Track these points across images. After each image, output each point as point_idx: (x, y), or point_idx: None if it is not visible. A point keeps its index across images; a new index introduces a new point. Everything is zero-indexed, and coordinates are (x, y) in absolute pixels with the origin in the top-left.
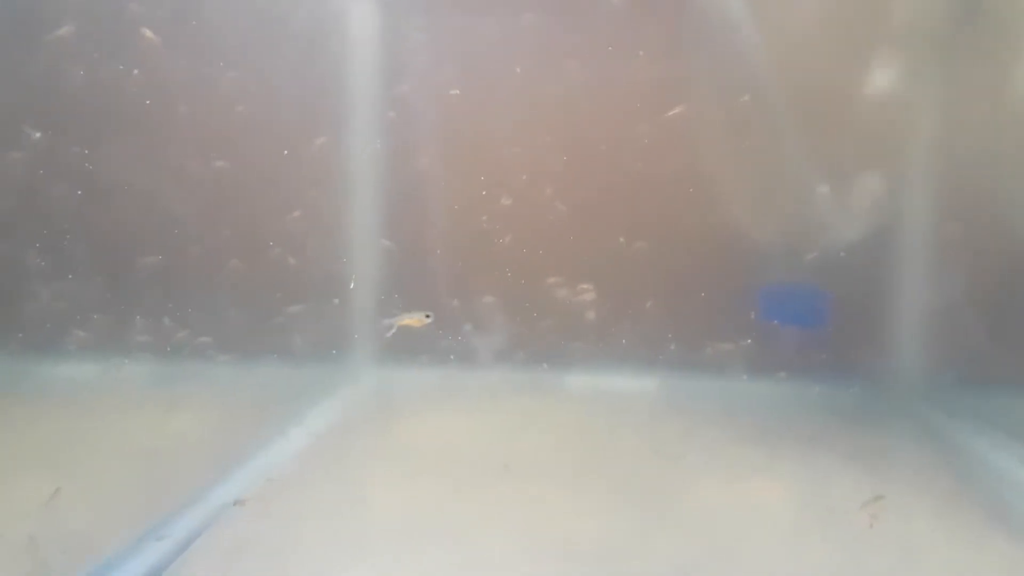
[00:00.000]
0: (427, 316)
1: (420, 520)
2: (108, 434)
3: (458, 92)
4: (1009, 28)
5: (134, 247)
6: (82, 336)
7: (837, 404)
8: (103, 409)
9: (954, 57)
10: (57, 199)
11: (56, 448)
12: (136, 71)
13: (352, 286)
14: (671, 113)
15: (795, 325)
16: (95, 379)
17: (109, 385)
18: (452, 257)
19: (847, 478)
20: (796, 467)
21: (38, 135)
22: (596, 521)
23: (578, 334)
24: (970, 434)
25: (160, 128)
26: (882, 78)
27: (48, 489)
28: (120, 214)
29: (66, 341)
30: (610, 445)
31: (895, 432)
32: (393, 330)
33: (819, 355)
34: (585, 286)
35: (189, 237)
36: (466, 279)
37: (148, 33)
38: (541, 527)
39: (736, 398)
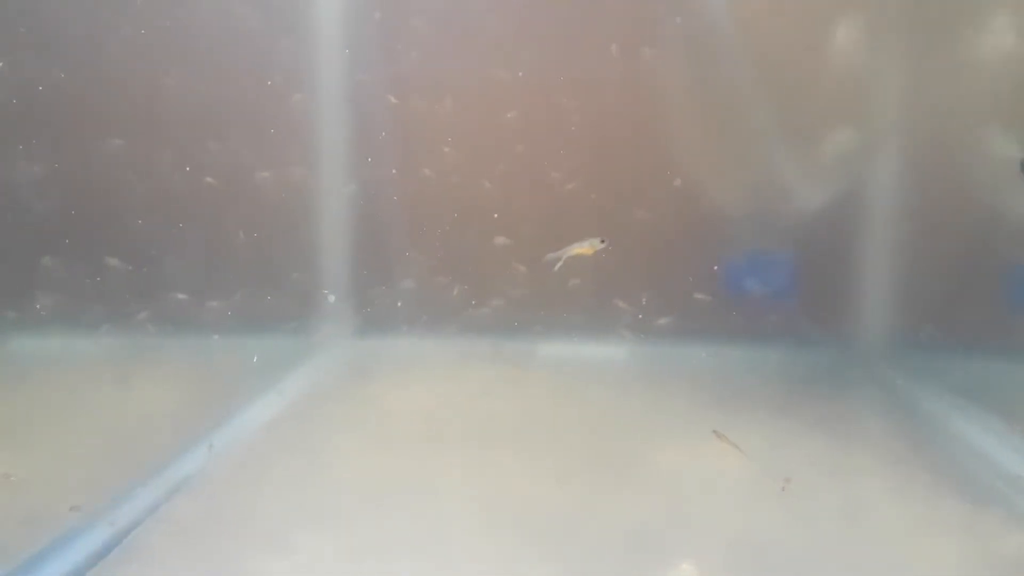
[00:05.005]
0: (602, 241)
1: (378, 490)
2: (70, 408)
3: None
4: None
5: (95, 216)
6: (43, 309)
7: (802, 370)
8: (65, 383)
9: (920, 20)
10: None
11: (18, 422)
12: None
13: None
14: (632, 77)
15: (761, 291)
16: (57, 353)
17: (74, 359)
18: (425, 223)
19: (806, 443)
20: (756, 433)
21: None
22: (554, 489)
23: (548, 302)
24: (933, 399)
25: (120, 98)
26: (847, 41)
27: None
28: (79, 182)
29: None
30: (574, 413)
31: (859, 397)
32: (560, 263)
33: (785, 321)
34: (552, 252)
35: (155, 204)
36: (442, 245)
37: None
38: (499, 495)
39: (704, 365)
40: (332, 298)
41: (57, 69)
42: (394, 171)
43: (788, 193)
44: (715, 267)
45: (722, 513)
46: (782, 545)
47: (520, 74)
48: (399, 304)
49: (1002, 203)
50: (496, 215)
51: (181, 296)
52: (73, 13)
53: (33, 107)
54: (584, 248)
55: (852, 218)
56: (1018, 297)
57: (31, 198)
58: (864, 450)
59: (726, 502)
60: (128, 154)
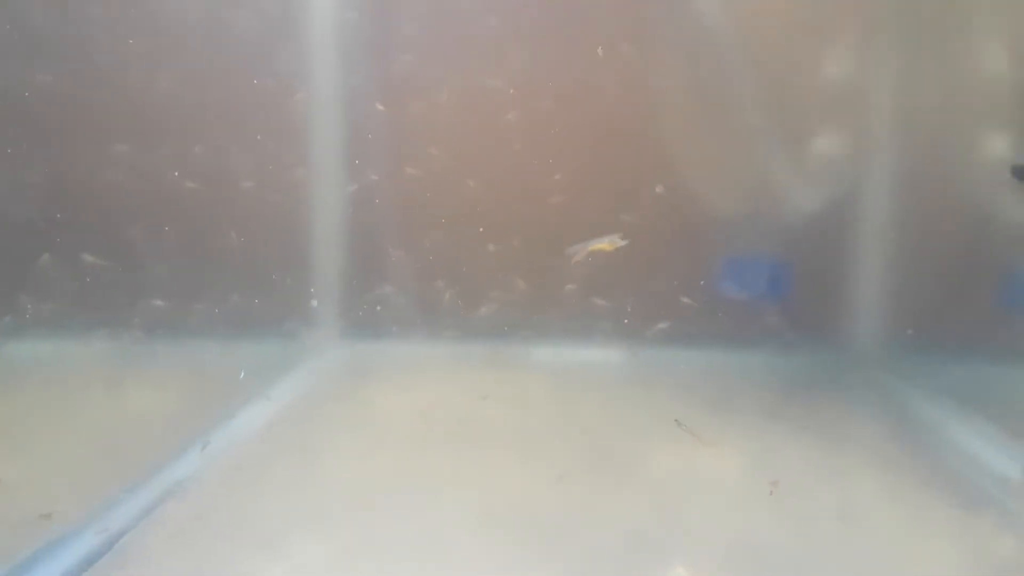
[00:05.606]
0: (622, 238)
1: (373, 493)
2: (64, 412)
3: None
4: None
5: (89, 221)
6: (36, 314)
7: (797, 373)
8: (58, 387)
9: (912, 28)
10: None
11: (11, 426)
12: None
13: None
14: (628, 86)
15: (755, 295)
16: (51, 357)
17: (67, 364)
18: (416, 227)
19: (797, 447)
20: (750, 436)
21: None
22: (550, 491)
23: (543, 306)
24: (926, 402)
25: (113, 102)
26: (841, 47)
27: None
28: (73, 187)
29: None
30: (569, 416)
31: (851, 401)
32: (578, 256)
33: (779, 325)
34: (550, 256)
35: (148, 210)
36: (433, 248)
37: None
38: (496, 497)
39: (699, 369)
40: (315, 303)
41: (47, 73)
42: (375, 176)
43: (782, 197)
44: (702, 281)
45: (714, 514)
46: (776, 546)
47: (511, 80)
48: (393, 307)
49: (995, 207)
50: (482, 227)
51: (175, 301)
52: (63, 18)
53: (30, 111)
54: (604, 244)
55: (845, 222)
56: (1011, 301)
57: (23, 203)
58: (857, 453)
59: (718, 504)
60: (125, 159)
